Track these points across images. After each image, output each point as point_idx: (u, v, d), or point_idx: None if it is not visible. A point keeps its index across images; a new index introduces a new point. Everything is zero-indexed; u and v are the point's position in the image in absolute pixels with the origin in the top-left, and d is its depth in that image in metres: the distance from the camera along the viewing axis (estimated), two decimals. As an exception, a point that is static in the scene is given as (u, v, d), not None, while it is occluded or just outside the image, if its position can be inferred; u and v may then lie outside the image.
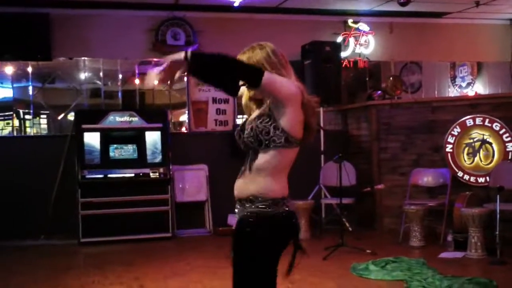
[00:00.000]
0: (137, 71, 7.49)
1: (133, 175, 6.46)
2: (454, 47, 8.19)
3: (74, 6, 6.78)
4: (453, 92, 9.04)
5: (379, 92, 7.22)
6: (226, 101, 7.32)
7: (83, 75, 7.55)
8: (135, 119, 6.67)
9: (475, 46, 8.26)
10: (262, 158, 2.07)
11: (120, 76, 7.34)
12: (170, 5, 6.99)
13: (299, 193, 6.54)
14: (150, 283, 4.51)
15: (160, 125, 6.70)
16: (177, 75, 2.03)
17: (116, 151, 6.60)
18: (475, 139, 6.07)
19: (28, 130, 8.81)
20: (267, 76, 1.96)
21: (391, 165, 6.73)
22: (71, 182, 6.42)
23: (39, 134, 8.11)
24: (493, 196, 5.32)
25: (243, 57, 2.12)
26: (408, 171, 6.42)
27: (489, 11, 7.65)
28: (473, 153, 6.07)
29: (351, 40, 7.66)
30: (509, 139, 5.86)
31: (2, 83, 7.63)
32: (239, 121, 7.27)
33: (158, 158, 6.62)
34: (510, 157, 5.83)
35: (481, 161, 6.03)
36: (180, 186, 6.93)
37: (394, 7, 7.12)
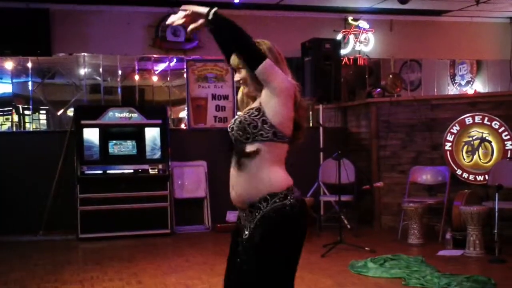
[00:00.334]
0: (137, 67, 7.48)
1: (132, 171, 6.46)
2: (454, 45, 8.18)
3: (74, 1, 6.76)
4: (452, 90, 9.04)
5: (379, 89, 7.23)
6: (225, 97, 7.32)
7: (82, 71, 7.55)
8: (135, 115, 6.67)
9: (475, 44, 8.25)
10: (252, 151, 2.04)
11: (120, 72, 7.34)
12: (170, 1, 6.97)
13: (298, 190, 6.55)
14: (149, 279, 4.52)
15: (159, 121, 6.69)
16: (193, 26, 2.10)
17: (115, 147, 6.59)
18: (474, 137, 6.07)
19: (27, 125, 8.82)
20: (269, 63, 2.01)
21: (391, 163, 6.74)
22: (70, 178, 6.42)
23: (38, 129, 8.13)
24: (492, 194, 5.33)
25: None
26: (407, 169, 6.43)
27: (489, 9, 7.64)
28: (472, 151, 6.08)
29: (351, 38, 7.65)
30: (508, 137, 5.87)
31: (1, 78, 7.63)
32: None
33: (157, 155, 6.63)
34: (509, 156, 5.84)
35: (480, 159, 6.04)
36: (179, 182, 6.94)
37: (394, 4, 7.10)
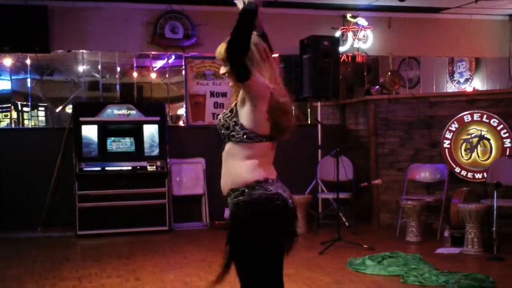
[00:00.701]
0: (135, 64, 7.47)
1: (130, 168, 6.45)
2: (452, 43, 8.18)
3: (72, -2, 6.76)
4: (451, 87, 9.04)
5: (377, 87, 7.22)
6: (224, 94, 7.31)
7: (81, 68, 7.53)
8: (133, 112, 6.66)
9: (474, 41, 8.25)
10: (228, 150, 2.15)
11: (118, 69, 7.32)
12: (168, -2, 6.97)
13: (296, 187, 6.52)
14: (147, 276, 4.52)
15: (157, 118, 6.69)
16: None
17: (114, 144, 6.59)
18: (472, 135, 6.07)
19: (26, 122, 8.81)
20: (252, 81, 2.01)
21: (389, 160, 6.74)
22: (68, 175, 6.42)
23: (37, 126, 8.12)
24: (491, 192, 5.33)
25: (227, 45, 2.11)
26: (406, 167, 6.43)
27: (488, 7, 7.64)
28: (471, 149, 6.08)
29: (350, 35, 7.65)
30: (506, 135, 5.87)
31: (0, 75, 7.61)
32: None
33: (156, 151, 6.62)
34: (507, 153, 5.84)
35: (478, 157, 6.04)
36: (177, 179, 6.94)
37: (392, 2, 7.10)
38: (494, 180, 5.36)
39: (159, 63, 8.17)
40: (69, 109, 7.62)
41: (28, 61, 7.10)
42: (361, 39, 7.67)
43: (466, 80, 8.94)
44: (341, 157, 5.93)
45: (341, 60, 7.43)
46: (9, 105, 7.77)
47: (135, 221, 6.35)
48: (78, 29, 6.83)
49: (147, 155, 6.57)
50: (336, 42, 7.06)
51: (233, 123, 2.11)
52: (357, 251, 5.20)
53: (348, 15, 7.69)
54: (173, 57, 7.52)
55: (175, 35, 7.02)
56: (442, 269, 4.50)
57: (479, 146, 6.04)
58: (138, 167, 6.48)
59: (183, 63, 7.21)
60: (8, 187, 6.46)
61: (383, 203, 6.75)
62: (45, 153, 6.61)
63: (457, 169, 6.11)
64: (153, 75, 8.28)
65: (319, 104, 7.18)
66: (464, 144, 6.12)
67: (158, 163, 6.55)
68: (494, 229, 5.01)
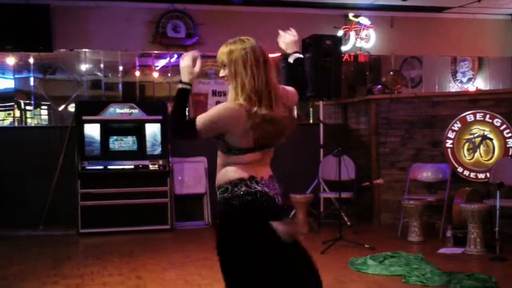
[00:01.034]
0: (137, 63, 7.48)
1: (132, 166, 6.46)
2: (455, 42, 8.16)
3: (75, -3, 6.77)
4: (454, 87, 9.02)
5: (379, 86, 7.21)
6: (225, 93, 7.29)
7: (83, 67, 7.55)
8: (135, 111, 6.67)
9: (477, 41, 8.23)
10: (218, 153, 2.21)
11: (121, 68, 7.33)
12: (170, -3, 6.97)
13: (297, 186, 6.54)
14: (148, 275, 4.53)
15: (160, 117, 6.69)
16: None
17: (116, 143, 6.60)
18: (475, 135, 6.06)
19: (29, 120, 8.82)
20: (202, 133, 2.08)
21: (390, 160, 6.73)
22: (71, 173, 6.43)
23: (39, 125, 8.13)
24: (493, 192, 5.32)
25: (226, 49, 2.16)
26: (407, 166, 6.42)
27: (490, 6, 7.62)
28: (474, 149, 6.07)
29: (352, 34, 7.63)
30: (509, 135, 5.85)
31: (3, 74, 7.63)
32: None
33: (158, 150, 6.63)
34: (510, 153, 5.83)
35: (481, 156, 6.03)
36: (179, 178, 6.94)
37: (395, 1, 7.09)
38: (496, 180, 5.35)
39: (161, 62, 8.18)
40: (71, 107, 7.63)
41: (31, 60, 7.11)
42: (363, 39, 7.66)
43: (469, 79, 8.92)
44: (343, 156, 5.92)
45: (343, 59, 7.41)
46: (12, 103, 7.79)
47: (137, 219, 6.36)
48: (80, 28, 6.85)
49: (149, 154, 6.58)
50: (338, 41, 7.03)
51: (216, 137, 2.16)
52: (359, 251, 5.19)
53: (350, 14, 7.68)
54: (175, 56, 7.52)
55: (177, 34, 7.02)
56: (444, 269, 4.48)
57: (482, 146, 6.03)
58: (140, 166, 6.48)
59: (186, 62, 7.20)
60: (11, 185, 6.48)
61: (385, 203, 6.74)
62: (48, 151, 6.62)
63: (460, 169, 6.10)
64: (155, 74, 8.29)
65: (321, 103, 7.17)
66: (467, 144, 6.11)
67: (160, 162, 6.55)
68: (496, 229, 5.00)
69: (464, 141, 6.13)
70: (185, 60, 2.20)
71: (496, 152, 5.94)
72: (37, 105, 8.27)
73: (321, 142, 7.01)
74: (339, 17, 7.70)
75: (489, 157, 5.98)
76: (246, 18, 7.26)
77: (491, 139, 5.97)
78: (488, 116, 5.96)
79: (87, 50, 7.21)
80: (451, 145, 6.17)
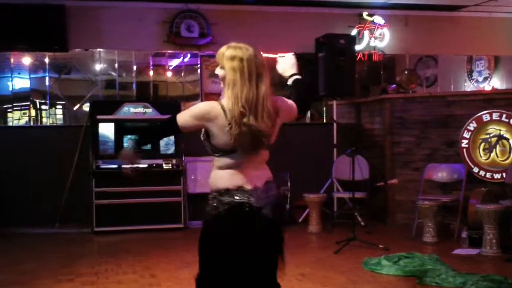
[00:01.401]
0: (151, 63, 7.52)
1: (146, 165, 6.50)
2: (471, 41, 8.07)
3: (89, -3, 6.83)
4: (469, 86, 8.92)
5: (394, 85, 7.16)
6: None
7: (98, 66, 7.61)
8: (149, 110, 6.70)
9: (493, 40, 8.12)
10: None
11: (135, 67, 7.37)
12: (184, -3, 6.99)
13: (311, 186, 6.53)
14: (162, 273, 4.55)
15: (173, 116, 6.71)
16: None
17: (130, 142, 6.63)
18: (491, 135, 5.99)
19: (44, 120, 8.90)
20: (180, 123, 2.23)
21: (404, 160, 6.68)
22: (85, 172, 6.48)
23: (55, 124, 8.19)
24: (510, 193, 5.26)
25: (227, 53, 2.21)
26: (421, 166, 6.36)
27: (507, 5, 7.52)
28: (490, 149, 5.99)
29: (366, 33, 7.59)
30: (526, 135, 5.77)
31: (19, 73, 7.71)
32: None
33: (171, 150, 6.66)
34: (526, 153, 5.75)
35: (497, 157, 5.96)
36: (193, 177, 6.96)
37: (410, -1, 7.04)
38: (513, 181, 5.29)
39: (174, 62, 8.21)
40: (86, 107, 7.69)
41: (46, 60, 7.18)
42: (377, 38, 7.61)
43: (485, 79, 8.82)
44: (357, 156, 5.89)
45: (357, 58, 7.38)
46: (28, 103, 7.87)
47: (150, 218, 6.40)
48: (95, 28, 6.90)
49: (163, 153, 6.62)
50: (352, 40, 7.01)
51: (203, 137, 2.26)
52: (372, 251, 5.16)
53: (365, 13, 7.63)
54: (189, 55, 7.55)
55: (191, 33, 7.05)
56: (459, 270, 4.44)
57: (498, 146, 5.95)
58: (154, 165, 6.52)
59: (199, 62, 7.23)
60: (26, 183, 6.56)
61: (398, 203, 6.69)
62: (63, 150, 6.69)
63: (475, 169, 6.03)
64: (169, 74, 8.32)
65: (334, 103, 7.14)
66: (483, 144, 6.04)
67: (174, 161, 6.58)
68: (512, 230, 4.94)
69: (480, 141, 6.06)
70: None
71: (512, 152, 5.86)
72: (52, 105, 8.34)
73: (335, 142, 6.99)
74: (353, 16, 7.66)
75: (505, 157, 5.91)
76: (260, 18, 7.25)
77: (507, 139, 5.89)
78: (504, 115, 5.89)
79: (101, 50, 7.26)
80: (466, 145, 6.10)
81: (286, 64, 2.48)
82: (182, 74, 7.54)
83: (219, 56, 2.25)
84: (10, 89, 7.60)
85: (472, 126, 6.08)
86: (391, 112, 6.77)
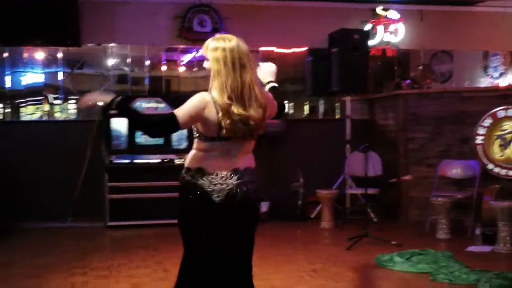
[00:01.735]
0: (163, 58, 7.53)
1: (159, 160, 6.52)
2: (486, 36, 7.95)
3: (102, -8, 6.84)
4: (485, 82, 8.81)
5: (408, 81, 7.09)
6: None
7: (110, 61, 7.64)
8: (161, 105, 6.71)
9: (509, 35, 8.00)
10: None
11: (147, 62, 7.39)
12: (197, -8, 6.97)
13: (323, 182, 6.51)
14: (174, 268, 4.54)
15: (185, 112, 6.71)
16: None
17: (143, 137, 6.66)
18: (506, 131, 5.91)
19: (57, 114, 8.98)
20: (178, 116, 2.28)
21: (418, 156, 6.62)
22: (98, 167, 6.52)
23: (67, 119, 8.25)
24: (524, 190, 5.19)
25: (211, 45, 2.35)
26: (435, 163, 6.30)
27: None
28: (505, 145, 5.92)
29: (380, 28, 7.51)
30: (542, 131, 5.69)
31: (33, 68, 7.77)
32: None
33: (184, 145, 6.66)
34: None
35: (512, 153, 5.88)
36: (205, 172, 6.96)
37: (425, -6, 6.95)
38: (528, 178, 5.21)
39: (187, 57, 8.22)
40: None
41: (59, 55, 7.23)
42: (392, 33, 7.53)
43: (501, 74, 8.70)
44: (370, 152, 5.85)
45: (371, 54, 7.31)
46: (42, 97, 7.94)
47: (163, 213, 6.39)
48: (107, 23, 6.92)
49: (175, 148, 6.63)
50: (365, 35, 6.95)
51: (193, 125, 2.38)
52: (385, 248, 5.13)
53: (379, 8, 7.56)
54: (201, 50, 7.54)
55: (203, 28, 7.03)
56: (472, 267, 4.40)
57: (513, 143, 5.87)
58: (166, 160, 6.54)
59: (211, 57, 7.21)
60: (40, 178, 6.62)
61: (412, 200, 6.64)
62: (76, 145, 6.73)
63: (490, 166, 5.95)
64: (181, 69, 8.34)
65: (348, 98, 7.09)
66: (498, 141, 5.96)
67: (186, 156, 6.58)
68: (527, 227, 4.88)
69: (495, 137, 5.98)
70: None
71: (528, 149, 5.78)
72: (65, 99, 8.41)
73: (348, 138, 6.95)
74: (367, 11, 7.58)
75: (521, 154, 5.83)
76: (273, 12, 7.21)
77: (523, 136, 5.81)
78: (520, 112, 5.80)
79: (114, 44, 7.28)
80: (481, 142, 6.03)
81: (267, 71, 2.62)
82: (194, 69, 7.54)
83: (203, 48, 2.36)
84: (23, 84, 7.67)
85: (487, 122, 6.00)
86: (405, 108, 6.71)
